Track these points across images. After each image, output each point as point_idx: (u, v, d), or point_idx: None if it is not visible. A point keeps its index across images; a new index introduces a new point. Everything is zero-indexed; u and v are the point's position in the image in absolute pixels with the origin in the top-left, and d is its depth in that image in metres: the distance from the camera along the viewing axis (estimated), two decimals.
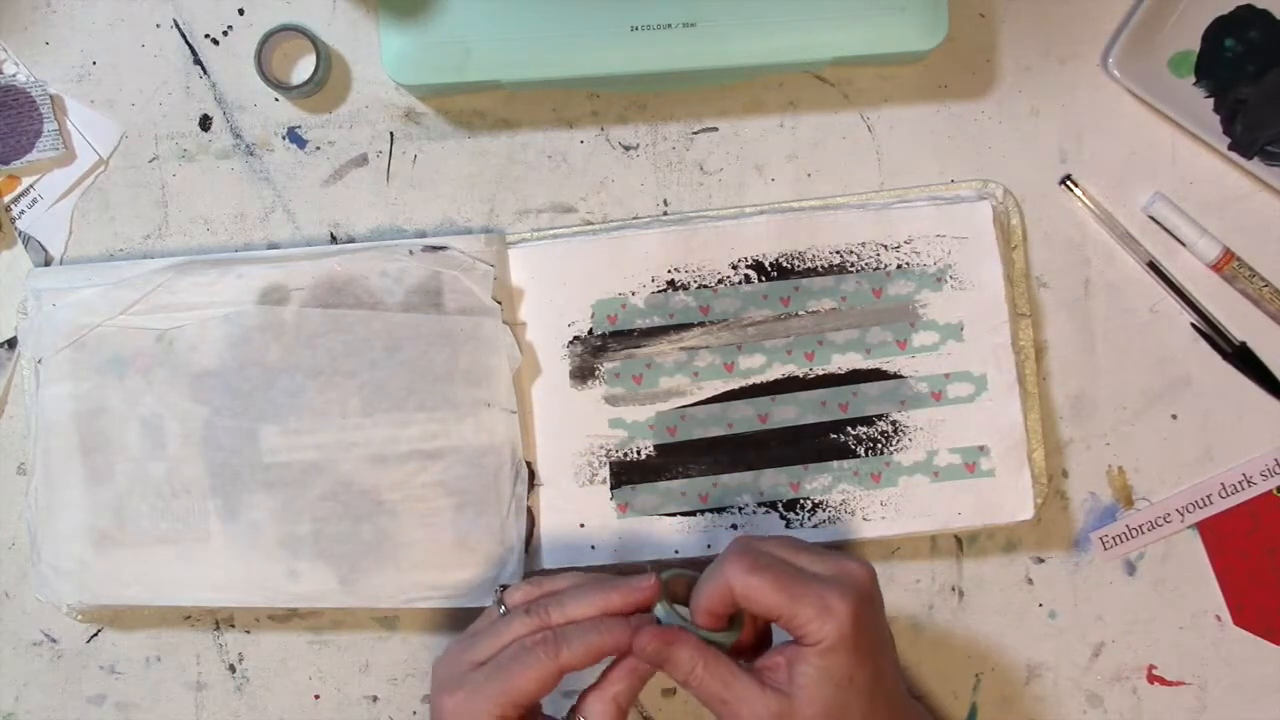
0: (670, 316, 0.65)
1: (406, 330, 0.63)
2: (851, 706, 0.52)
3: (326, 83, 0.67)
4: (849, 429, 0.65)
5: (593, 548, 0.65)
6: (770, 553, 0.54)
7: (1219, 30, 0.66)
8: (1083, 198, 0.67)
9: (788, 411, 0.65)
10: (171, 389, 0.64)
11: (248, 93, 0.67)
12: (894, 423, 0.65)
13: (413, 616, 0.67)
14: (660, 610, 0.55)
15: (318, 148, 0.67)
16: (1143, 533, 0.67)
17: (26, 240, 0.67)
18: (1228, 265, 0.66)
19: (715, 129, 0.67)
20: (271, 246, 0.67)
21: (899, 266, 0.65)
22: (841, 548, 0.67)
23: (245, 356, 0.64)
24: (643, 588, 0.55)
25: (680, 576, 0.57)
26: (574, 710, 0.55)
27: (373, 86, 0.67)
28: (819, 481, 0.65)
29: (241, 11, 0.67)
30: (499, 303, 0.64)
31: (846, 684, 0.52)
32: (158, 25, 0.67)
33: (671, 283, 0.65)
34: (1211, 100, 0.66)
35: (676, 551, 0.65)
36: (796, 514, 0.65)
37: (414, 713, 0.67)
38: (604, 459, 0.65)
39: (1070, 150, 0.67)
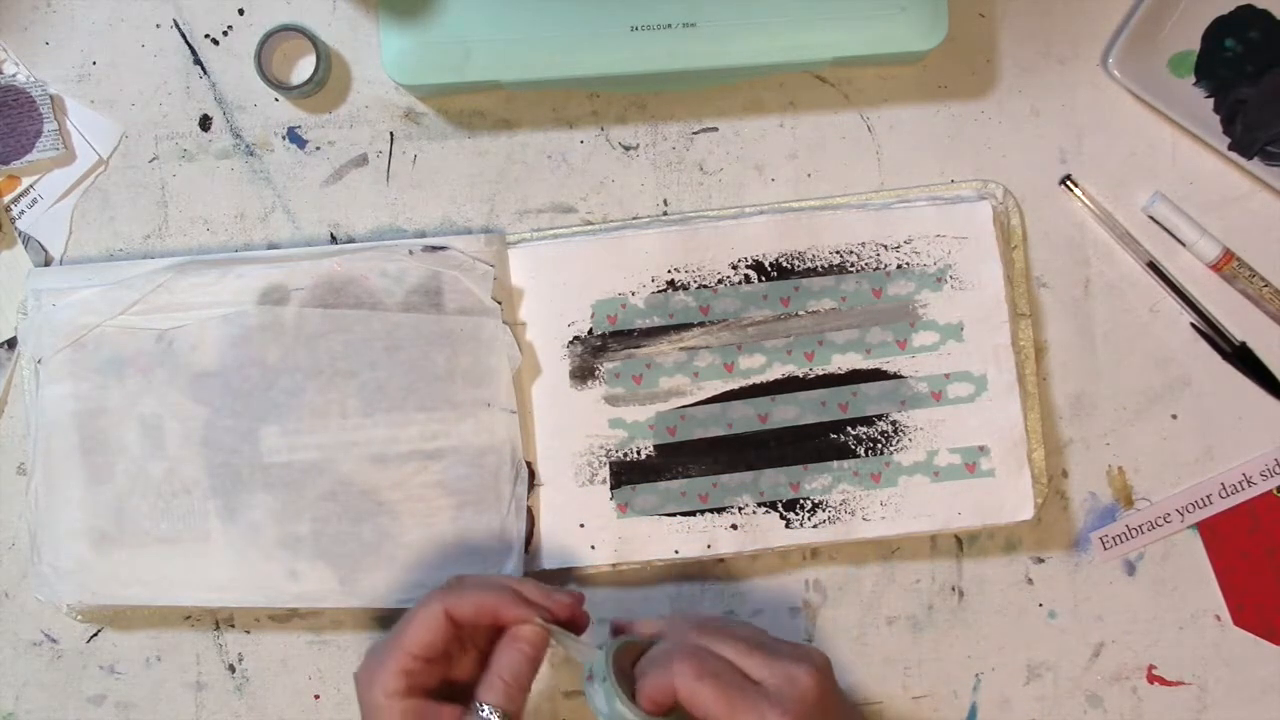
0: (670, 316, 0.65)
1: (406, 330, 0.63)
2: None
3: (326, 83, 0.67)
4: (849, 429, 0.65)
5: (593, 548, 0.65)
6: (719, 655, 0.53)
7: (1219, 30, 0.66)
8: (1083, 198, 0.67)
9: (788, 411, 0.65)
10: (171, 389, 0.64)
11: (248, 93, 0.67)
12: (894, 423, 0.65)
13: None
14: (601, 687, 0.53)
15: (318, 148, 0.67)
16: (1143, 533, 0.67)
17: (26, 240, 0.67)
18: (1228, 265, 0.66)
19: (715, 129, 0.67)
20: (271, 246, 0.67)
21: (899, 266, 0.65)
22: (842, 548, 0.67)
23: (245, 356, 0.64)
24: (559, 601, 0.55)
25: (631, 644, 0.55)
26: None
27: (373, 86, 0.67)
28: (819, 481, 0.65)
29: (241, 11, 0.67)
30: (499, 303, 0.64)
31: None
32: (158, 25, 0.67)
33: (671, 283, 0.65)
34: (1211, 100, 0.66)
35: (676, 551, 0.65)
36: (796, 514, 0.65)
37: None
38: (604, 459, 0.65)
39: (1070, 150, 0.67)
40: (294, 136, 0.67)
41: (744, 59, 0.63)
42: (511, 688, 0.53)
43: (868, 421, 0.65)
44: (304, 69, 0.67)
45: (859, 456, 0.65)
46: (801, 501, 0.65)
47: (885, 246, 0.65)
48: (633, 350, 0.65)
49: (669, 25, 0.63)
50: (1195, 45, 0.66)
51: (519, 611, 0.54)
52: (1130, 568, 0.67)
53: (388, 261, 0.64)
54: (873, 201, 0.66)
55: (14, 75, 0.67)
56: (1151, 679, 0.67)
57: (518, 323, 0.65)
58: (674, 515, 0.65)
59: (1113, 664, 0.67)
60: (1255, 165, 0.65)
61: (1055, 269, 0.67)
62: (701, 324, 0.65)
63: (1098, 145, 0.67)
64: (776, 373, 0.65)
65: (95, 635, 0.68)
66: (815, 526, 0.65)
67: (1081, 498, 0.67)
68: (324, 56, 0.66)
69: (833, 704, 0.54)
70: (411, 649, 0.53)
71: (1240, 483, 0.67)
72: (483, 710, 0.53)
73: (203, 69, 0.67)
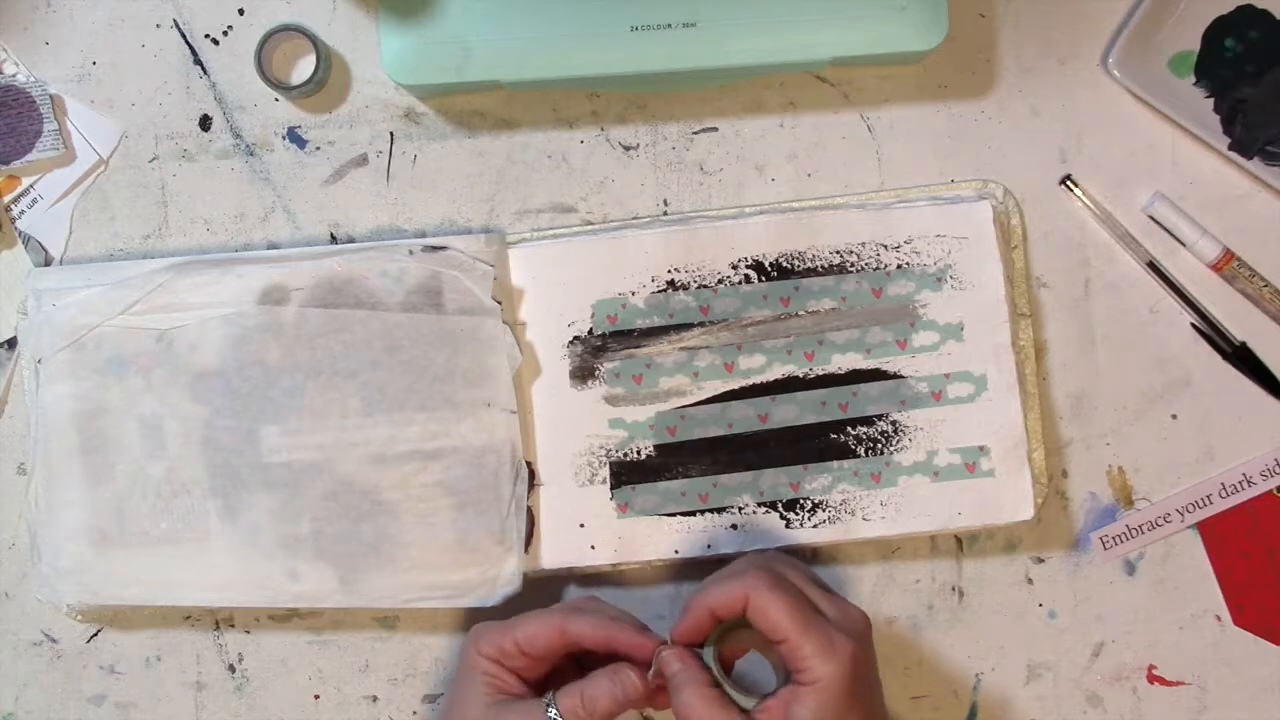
0: (670, 316, 0.65)
1: (406, 330, 0.63)
2: None
3: (326, 83, 0.67)
4: (849, 429, 0.65)
5: (593, 548, 0.65)
6: (788, 577, 0.56)
7: (1219, 30, 0.66)
8: (1083, 198, 0.67)
9: (788, 411, 0.65)
10: (171, 389, 0.64)
11: (248, 93, 0.67)
12: (894, 423, 0.65)
13: (413, 616, 0.67)
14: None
15: (318, 148, 0.67)
16: (1143, 533, 0.67)
17: (26, 240, 0.67)
18: (1228, 265, 0.66)
19: (715, 129, 0.67)
20: (271, 246, 0.67)
21: (899, 266, 0.65)
22: (842, 548, 0.67)
23: (245, 356, 0.64)
24: (656, 640, 0.57)
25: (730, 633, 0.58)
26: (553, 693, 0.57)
27: (373, 86, 0.67)
28: (819, 481, 0.65)
29: (241, 11, 0.67)
30: (499, 303, 0.64)
31: None
32: (158, 25, 0.67)
33: (671, 283, 0.65)
34: (1211, 100, 0.66)
35: (677, 551, 0.65)
36: (796, 514, 0.65)
37: (414, 713, 0.67)
38: (604, 459, 0.65)
39: (1070, 150, 0.67)
40: (294, 136, 0.67)
41: (744, 59, 0.63)
42: (586, 708, 0.56)
43: (868, 421, 0.65)
44: (304, 69, 0.67)
45: (859, 456, 0.65)
46: (801, 501, 0.65)
47: (885, 246, 0.65)
48: (633, 350, 0.65)
49: (669, 25, 0.63)
50: (1195, 45, 0.66)
51: (635, 641, 0.57)
52: (1130, 568, 0.67)
53: (388, 261, 0.64)
54: (873, 201, 0.66)
55: (14, 75, 0.67)
56: (1151, 679, 0.67)
57: (518, 323, 0.65)
58: (674, 515, 0.65)
59: (1113, 664, 0.67)
60: (1255, 165, 0.65)
61: (1055, 269, 0.67)
62: (701, 324, 0.65)
63: (1098, 145, 0.67)
64: (776, 373, 0.65)
65: (95, 635, 0.68)
66: (815, 526, 0.65)
67: (1081, 498, 0.67)
68: (324, 56, 0.66)
69: (873, 655, 0.56)
70: (518, 636, 0.57)
71: (1240, 483, 0.67)
72: (550, 710, 0.56)
73: (203, 69, 0.67)
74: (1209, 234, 0.66)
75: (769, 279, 0.65)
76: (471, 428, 0.63)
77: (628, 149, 0.67)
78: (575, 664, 0.61)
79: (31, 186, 0.67)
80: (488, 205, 0.67)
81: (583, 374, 0.65)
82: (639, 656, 0.57)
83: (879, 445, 0.65)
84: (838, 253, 0.65)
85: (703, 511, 0.65)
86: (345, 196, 0.67)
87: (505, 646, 0.57)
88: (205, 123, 0.67)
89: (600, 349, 0.65)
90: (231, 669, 0.68)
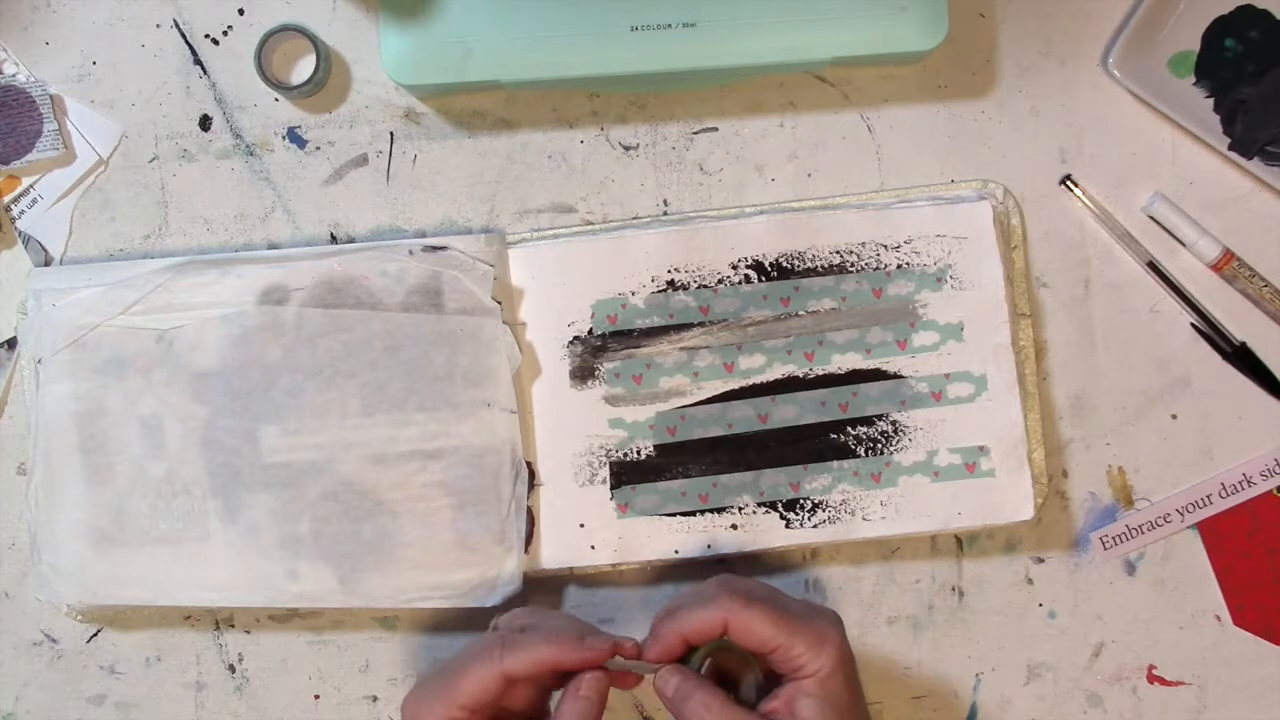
0: (670, 316, 0.65)
1: (406, 330, 0.63)
2: None
3: (326, 83, 0.67)
4: (849, 429, 0.65)
5: (593, 548, 0.65)
6: (757, 588, 0.55)
7: (1219, 30, 0.66)
8: (1083, 198, 0.67)
9: (788, 411, 0.65)
10: (171, 389, 0.64)
11: (248, 93, 0.67)
12: (894, 423, 0.65)
13: (413, 616, 0.67)
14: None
15: (318, 148, 0.67)
16: (1143, 533, 0.67)
17: (26, 240, 0.67)
18: (1228, 265, 0.66)
19: (715, 129, 0.67)
20: (271, 246, 0.67)
21: (899, 266, 0.65)
22: (842, 548, 0.67)
23: (245, 356, 0.64)
24: (601, 645, 0.54)
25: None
26: None
27: (373, 86, 0.67)
28: (819, 481, 0.65)
29: (241, 11, 0.67)
30: (499, 303, 0.64)
31: (848, 710, 0.53)
32: (158, 25, 0.67)
33: (671, 283, 0.65)
34: (1211, 100, 0.66)
35: (676, 551, 0.65)
36: (796, 514, 0.65)
37: None
38: (604, 459, 0.65)
39: (1070, 150, 0.67)
40: (294, 136, 0.67)
41: (744, 59, 0.63)
42: None
43: (868, 421, 0.65)
44: (304, 69, 0.67)
45: (859, 456, 0.65)
46: (801, 501, 0.65)
47: (885, 246, 0.65)
48: (633, 350, 0.65)
49: (669, 25, 0.63)
50: (1195, 45, 0.66)
51: (578, 658, 0.53)
52: (1130, 568, 0.67)
53: (388, 261, 0.64)
54: (873, 201, 0.66)
55: (14, 75, 0.67)
56: (1151, 679, 0.67)
57: (518, 323, 0.65)
58: (674, 515, 0.65)
59: (1113, 664, 0.67)
60: (1255, 165, 0.65)
61: (1055, 269, 0.67)
62: (701, 324, 0.65)
63: (1098, 145, 0.67)
64: (776, 373, 0.65)
65: (95, 635, 0.68)
66: (815, 526, 0.65)
67: (1081, 498, 0.67)
68: (324, 56, 0.66)
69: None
70: (462, 700, 0.53)
71: (1240, 483, 0.67)
72: None
73: (203, 69, 0.67)
74: (1209, 234, 0.66)
75: (769, 279, 0.65)
76: (471, 428, 0.63)
77: (628, 149, 0.67)
78: None
79: (31, 186, 0.67)
80: (488, 205, 0.67)
81: (583, 374, 0.65)
82: (590, 667, 0.54)
83: (879, 445, 0.65)
84: (838, 253, 0.65)
85: (703, 511, 0.65)
86: (345, 196, 0.67)
87: (453, 715, 0.53)
88: (205, 123, 0.67)
89: (600, 349, 0.65)
90: (231, 669, 0.68)
